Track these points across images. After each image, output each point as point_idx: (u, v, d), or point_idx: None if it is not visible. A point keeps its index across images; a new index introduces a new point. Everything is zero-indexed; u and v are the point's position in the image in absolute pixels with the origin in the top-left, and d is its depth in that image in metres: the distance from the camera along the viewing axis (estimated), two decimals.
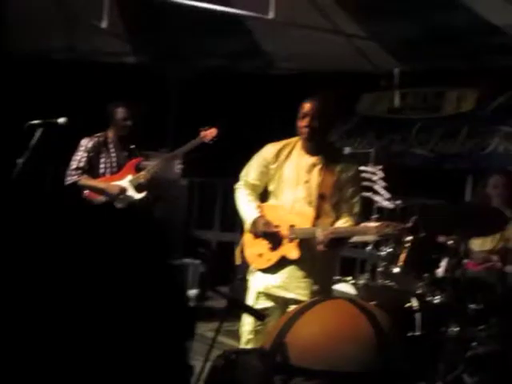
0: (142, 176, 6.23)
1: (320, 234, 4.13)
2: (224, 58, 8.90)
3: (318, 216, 4.31)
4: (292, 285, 4.35)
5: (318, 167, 4.36)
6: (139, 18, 7.72)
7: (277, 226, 4.35)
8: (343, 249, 4.64)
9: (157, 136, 8.81)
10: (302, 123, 4.27)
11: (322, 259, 4.30)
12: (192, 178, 8.41)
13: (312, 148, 4.36)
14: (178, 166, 7.76)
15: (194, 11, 6.34)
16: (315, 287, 4.31)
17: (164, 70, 9.04)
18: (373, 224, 4.34)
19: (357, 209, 4.40)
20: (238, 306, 3.01)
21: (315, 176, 4.35)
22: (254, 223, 4.36)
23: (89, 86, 8.67)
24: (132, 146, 6.39)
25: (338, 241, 4.23)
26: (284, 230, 4.32)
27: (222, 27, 7.53)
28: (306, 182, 4.34)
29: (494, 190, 6.19)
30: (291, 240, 4.29)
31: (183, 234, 7.65)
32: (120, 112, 6.32)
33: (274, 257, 4.38)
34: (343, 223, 4.32)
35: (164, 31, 8.09)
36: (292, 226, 4.29)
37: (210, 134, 6.37)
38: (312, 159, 4.38)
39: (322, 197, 4.29)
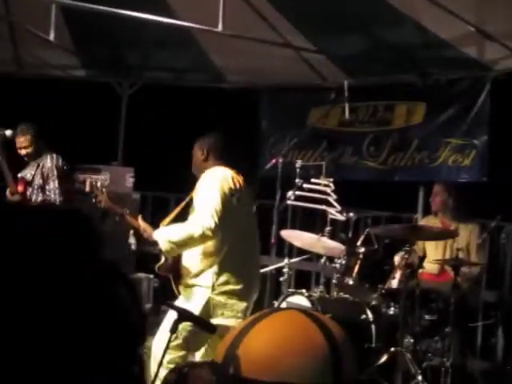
0: None
1: None
2: (173, 71, 8.85)
3: None
4: None
5: None
6: (87, 31, 7.63)
7: None
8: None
9: (108, 149, 8.74)
10: None
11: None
12: (144, 191, 8.32)
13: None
14: (129, 180, 7.66)
15: (143, 24, 6.29)
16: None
17: (112, 83, 8.95)
18: None
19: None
20: (188, 319, 2.95)
21: None
22: None
23: (36, 99, 8.57)
24: None
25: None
26: None
27: (171, 40, 7.48)
28: None
29: (433, 197, 6.33)
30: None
31: (136, 248, 7.56)
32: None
33: None
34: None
35: (112, 44, 8.02)
36: None
37: None
38: None
39: None
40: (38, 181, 6.41)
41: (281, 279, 6.27)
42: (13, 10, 7.28)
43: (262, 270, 6.54)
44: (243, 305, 4.31)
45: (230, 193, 4.25)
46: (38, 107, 8.70)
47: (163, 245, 4.21)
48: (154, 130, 9.24)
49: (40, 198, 6.38)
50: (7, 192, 6.42)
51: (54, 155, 6.48)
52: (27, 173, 6.49)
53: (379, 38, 7.01)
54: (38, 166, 6.43)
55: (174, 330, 2.89)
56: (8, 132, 6.35)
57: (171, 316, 4.03)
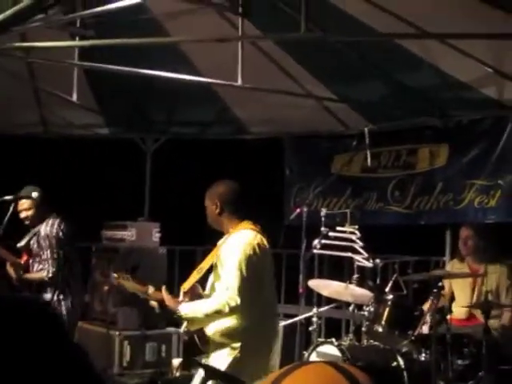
0: None
1: None
2: (196, 125, 8.95)
3: None
4: None
5: None
6: (109, 90, 7.77)
7: None
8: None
9: (134, 205, 8.82)
10: None
11: None
12: (171, 246, 8.36)
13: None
14: (156, 235, 7.72)
15: (164, 80, 6.40)
16: None
17: (136, 140, 9.06)
18: None
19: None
20: (215, 375, 2.93)
21: None
22: None
23: (62, 159, 8.69)
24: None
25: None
26: None
27: (192, 95, 7.59)
28: None
29: (461, 242, 6.29)
30: None
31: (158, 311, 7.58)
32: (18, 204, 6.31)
33: None
34: None
35: (135, 101, 8.14)
36: None
37: None
38: None
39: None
40: (35, 249, 6.30)
41: (310, 329, 6.24)
42: (37, 73, 7.44)
43: (291, 320, 6.54)
44: (267, 363, 4.30)
45: (256, 263, 4.21)
46: (64, 167, 8.85)
47: (189, 320, 4.28)
48: (179, 184, 9.33)
49: (37, 267, 6.27)
50: (7, 265, 6.24)
51: (50, 222, 6.30)
52: (25, 241, 6.36)
53: (398, 83, 7.05)
54: (35, 234, 6.31)
55: None
56: (34, 194, 6.21)
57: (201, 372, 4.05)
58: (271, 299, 4.50)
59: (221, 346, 4.24)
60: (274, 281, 4.56)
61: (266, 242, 4.36)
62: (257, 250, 4.22)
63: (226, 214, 4.39)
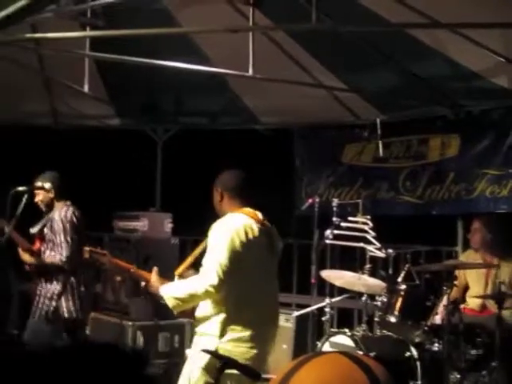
0: None
1: None
2: (206, 115, 8.95)
3: None
4: None
5: None
6: (120, 80, 7.77)
7: None
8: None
9: (146, 195, 8.83)
10: None
11: None
12: (183, 236, 8.36)
13: None
14: (168, 225, 7.73)
15: (174, 71, 6.41)
16: None
17: (147, 130, 9.08)
18: None
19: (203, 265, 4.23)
20: (230, 366, 2.94)
21: None
22: None
23: (74, 150, 8.71)
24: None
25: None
26: None
27: (203, 85, 7.59)
28: None
29: (472, 234, 6.28)
30: None
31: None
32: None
33: None
34: None
35: (146, 92, 8.15)
36: None
37: None
38: None
39: None
40: (49, 235, 6.23)
41: (323, 319, 6.24)
42: (47, 64, 7.45)
43: (303, 311, 6.55)
44: (253, 352, 4.10)
45: (240, 246, 4.14)
46: (76, 158, 8.87)
47: (168, 301, 4.20)
48: (190, 174, 9.33)
49: (49, 253, 6.20)
50: (19, 250, 6.19)
51: (65, 208, 6.25)
52: (38, 227, 6.33)
53: (409, 73, 7.03)
54: (48, 220, 6.26)
55: (217, 378, 2.88)
56: (47, 185, 6.32)
57: (192, 361, 4.09)
58: (263, 288, 4.33)
59: (199, 333, 4.22)
60: (272, 270, 4.47)
61: (255, 230, 4.24)
62: (240, 233, 4.16)
63: (226, 200, 4.41)
